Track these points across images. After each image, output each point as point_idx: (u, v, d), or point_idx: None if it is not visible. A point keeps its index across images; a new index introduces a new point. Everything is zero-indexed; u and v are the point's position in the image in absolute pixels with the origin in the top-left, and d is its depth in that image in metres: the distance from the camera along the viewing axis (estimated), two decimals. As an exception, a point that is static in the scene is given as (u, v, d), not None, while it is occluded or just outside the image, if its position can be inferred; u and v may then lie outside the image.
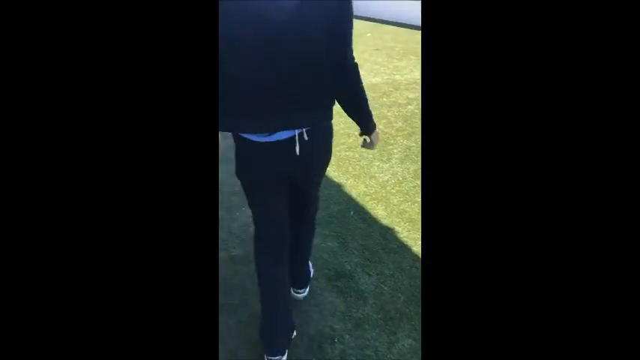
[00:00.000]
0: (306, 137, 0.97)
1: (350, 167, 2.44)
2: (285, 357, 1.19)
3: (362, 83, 0.98)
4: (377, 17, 9.39)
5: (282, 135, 0.96)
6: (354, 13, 0.94)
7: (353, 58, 0.93)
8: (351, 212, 1.99)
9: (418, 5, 8.51)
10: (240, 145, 1.02)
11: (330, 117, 1.03)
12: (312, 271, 1.56)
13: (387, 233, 1.84)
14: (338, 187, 2.22)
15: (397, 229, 1.87)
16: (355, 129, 2.99)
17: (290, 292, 1.40)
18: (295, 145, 0.97)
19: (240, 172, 1.08)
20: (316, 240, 1.78)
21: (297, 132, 0.96)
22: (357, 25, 1.15)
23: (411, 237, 1.81)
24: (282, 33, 0.83)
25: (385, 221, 1.92)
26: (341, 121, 3.18)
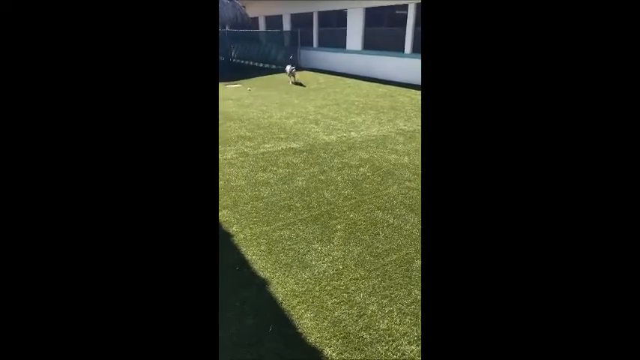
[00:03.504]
0: None
1: (282, 254, 2.00)
2: None
3: None
4: (339, 70, 9.57)
5: None
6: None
7: None
8: (270, 328, 1.51)
9: (386, 60, 8.74)
10: None
11: None
12: None
13: (313, 359, 1.37)
14: (261, 287, 1.75)
15: (327, 351, 1.40)
16: (298, 200, 2.57)
17: None
18: None
19: None
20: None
21: None
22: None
23: (344, 365, 1.34)
24: None
25: (312, 338, 1.45)
26: (283, 189, 2.79)
